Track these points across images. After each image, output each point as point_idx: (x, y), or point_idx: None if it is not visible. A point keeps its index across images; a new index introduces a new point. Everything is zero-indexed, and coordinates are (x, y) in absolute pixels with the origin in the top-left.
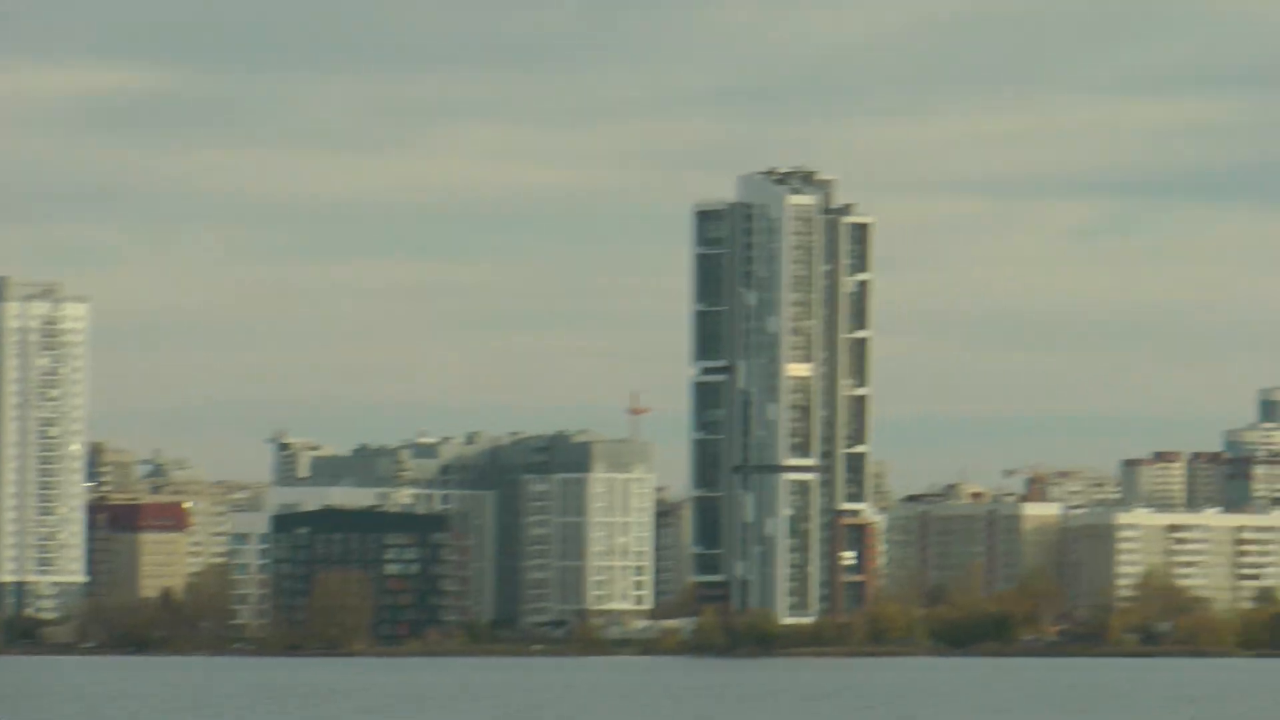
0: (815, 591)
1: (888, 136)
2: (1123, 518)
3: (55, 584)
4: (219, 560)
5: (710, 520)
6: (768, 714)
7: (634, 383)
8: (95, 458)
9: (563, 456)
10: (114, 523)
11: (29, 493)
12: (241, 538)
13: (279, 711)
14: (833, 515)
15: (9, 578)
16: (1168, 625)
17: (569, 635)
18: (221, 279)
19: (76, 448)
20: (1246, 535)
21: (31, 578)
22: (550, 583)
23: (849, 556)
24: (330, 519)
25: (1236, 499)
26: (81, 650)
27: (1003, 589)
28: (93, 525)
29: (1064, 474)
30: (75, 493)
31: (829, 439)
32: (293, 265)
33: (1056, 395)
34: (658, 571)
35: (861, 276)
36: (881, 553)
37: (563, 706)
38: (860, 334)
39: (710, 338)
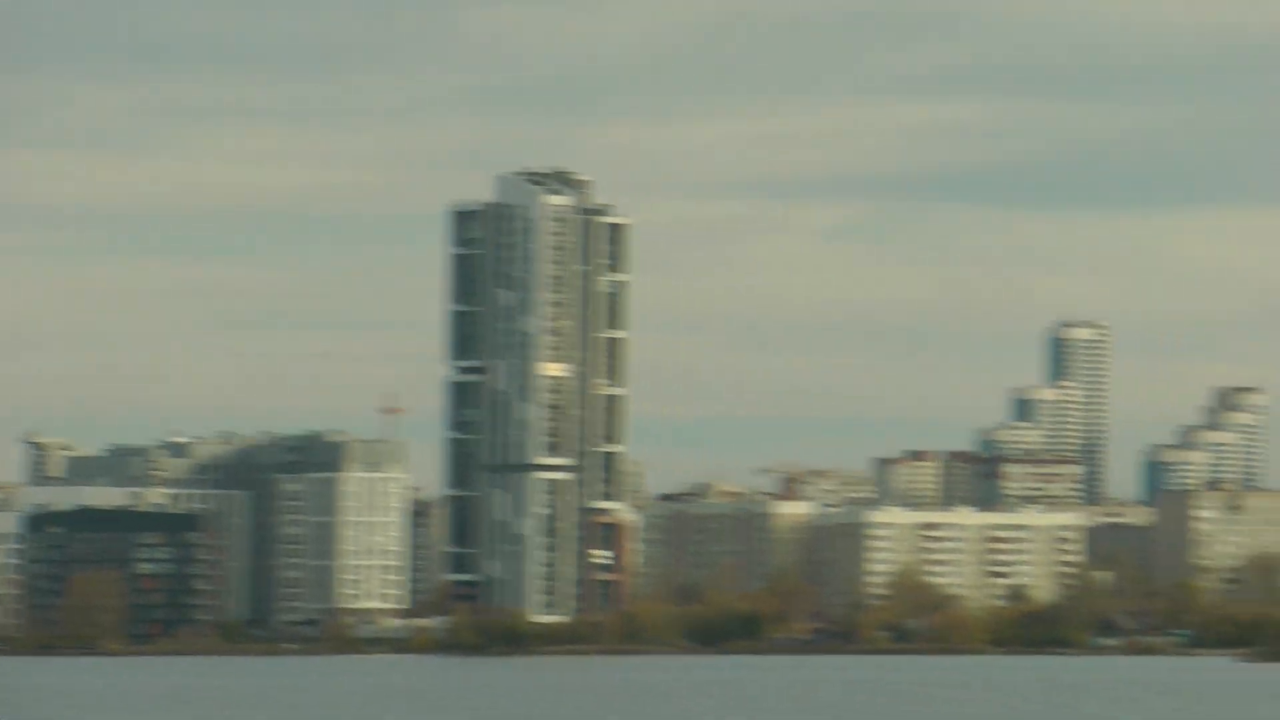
0: (569, 590)
1: (648, 139)
2: (875, 516)
3: None
4: None
5: (464, 519)
6: (504, 712)
7: (389, 383)
8: None
9: (316, 456)
10: None
11: None
12: None
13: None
14: (586, 514)
15: None
16: (919, 623)
17: (322, 634)
18: None
19: None
20: (998, 534)
21: None
22: (303, 582)
23: (603, 555)
24: (83, 518)
25: (988, 498)
26: None
27: (756, 587)
28: None
29: (817, 473)
30: None
31: (583, 438)
32: (46, 266)
33: (811, 395)
34: (412, 570)
35: (618, 277)
36: (635, 551)
37: (309, 705)
38: (616, 334)
39: (466, 338)
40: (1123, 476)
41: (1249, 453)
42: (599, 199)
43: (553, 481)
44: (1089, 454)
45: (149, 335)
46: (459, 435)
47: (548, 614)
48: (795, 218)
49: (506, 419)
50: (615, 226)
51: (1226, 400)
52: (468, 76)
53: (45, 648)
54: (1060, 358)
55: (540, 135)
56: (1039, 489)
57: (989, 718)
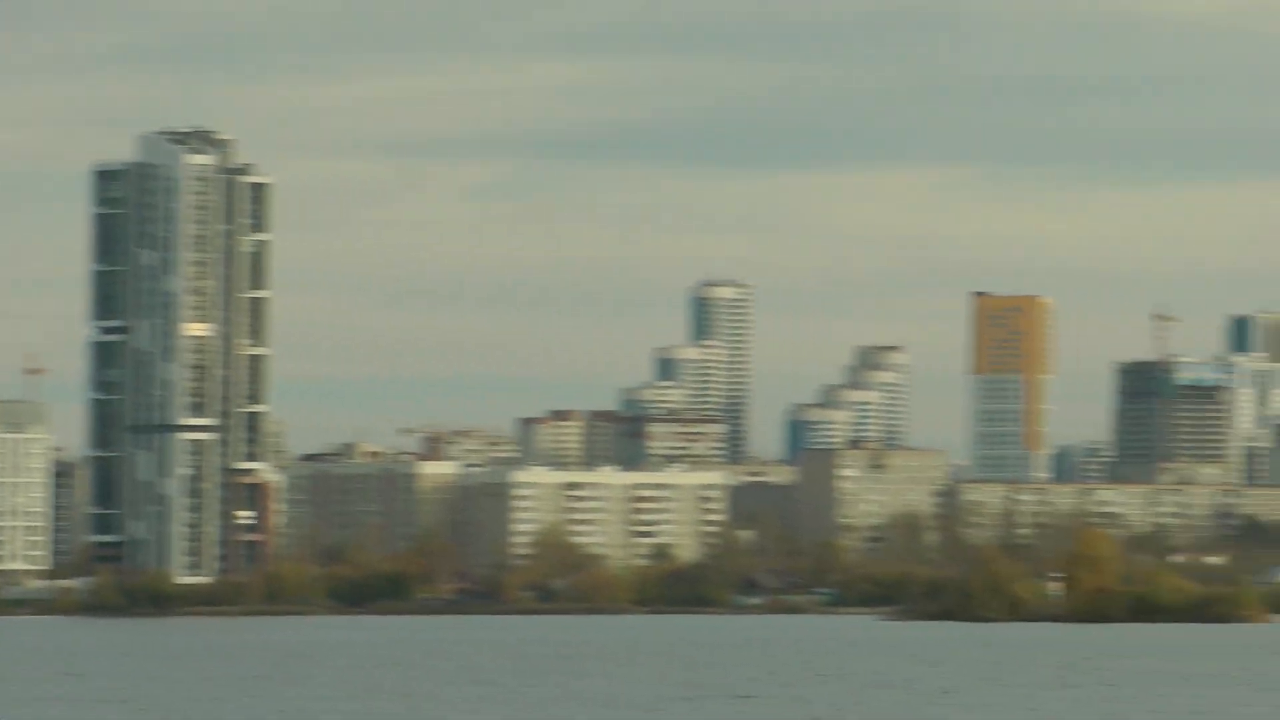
0: (213, 551)
1: (294, 98)
2: (519, 476)
3: None
4: None
5: (107, 480)
6: (143, 672)
7: (31, 343)
8: None
9: None
10: None
11: None
12: None
13: None
14: (230, 475)
15: None
16: (564, 582)
17: None
18: None
19: None
20: (642, 493)
21: None
22: None
23: (246, 516)
24: None
25: (632, 457)
26: None
27: (401, 548)
28: None
29: (461, 433)
30: None
31: (227, 398)
32: None
33: (454, 355)
34: (55, 532)
35: (260, 236)
36: (279, 512)
37: None
38: (258, 294)
39: (108, 298)
40: (766, 435)
41: (891, 411)
42: (242, 158)
43: (196, 442)
44: (732, 413)
45: None
46: (102, 396)
47: (191, 575)
48: (440, 176)
49: (149, 379)
50: (258, 186)
51: (868, 359)
52: (116, 35)
53: None
54: (703, 317)
55: (186, 94)
56: (683, 448)
57: (612, 674)
